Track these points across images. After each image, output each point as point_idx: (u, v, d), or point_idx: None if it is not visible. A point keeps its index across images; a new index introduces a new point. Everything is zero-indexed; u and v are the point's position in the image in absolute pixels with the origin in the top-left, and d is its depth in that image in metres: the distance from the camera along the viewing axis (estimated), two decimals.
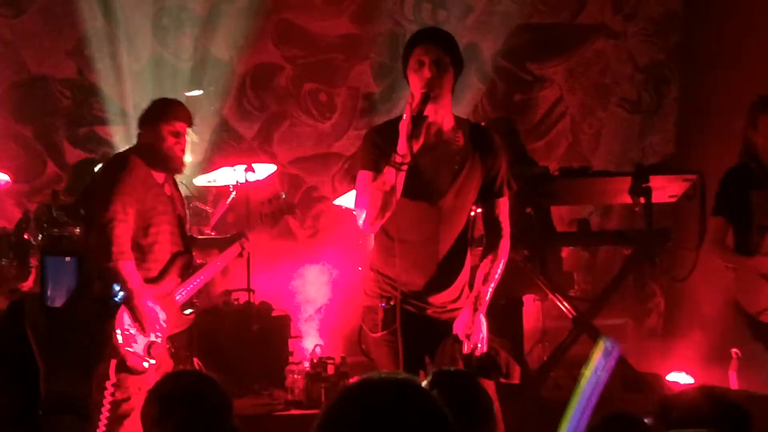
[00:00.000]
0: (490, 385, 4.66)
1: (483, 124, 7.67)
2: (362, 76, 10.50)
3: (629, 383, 7.32)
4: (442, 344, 4.79)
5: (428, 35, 4.96)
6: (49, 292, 2.40)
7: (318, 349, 8.19)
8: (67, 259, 2.41)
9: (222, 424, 3.28)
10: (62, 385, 2.41)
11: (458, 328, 4.78)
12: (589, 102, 10.89)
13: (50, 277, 2.40)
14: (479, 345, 4.74)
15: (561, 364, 7.69)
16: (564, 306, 7.48)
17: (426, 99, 4.70)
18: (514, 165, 7.77)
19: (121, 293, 2.44)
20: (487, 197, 4.99)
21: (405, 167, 4.66)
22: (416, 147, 4.65)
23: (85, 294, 2.43)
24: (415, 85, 4.80)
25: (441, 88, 4.79)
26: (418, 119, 4.64)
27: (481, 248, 5.02)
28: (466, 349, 4.72)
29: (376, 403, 2.14)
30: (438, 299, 4.93)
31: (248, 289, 8.18)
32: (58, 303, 2.41)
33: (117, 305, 2.58)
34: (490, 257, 4.93)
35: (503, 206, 5.01)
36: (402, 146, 4.64)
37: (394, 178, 4.69)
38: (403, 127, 4.64)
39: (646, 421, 3.33)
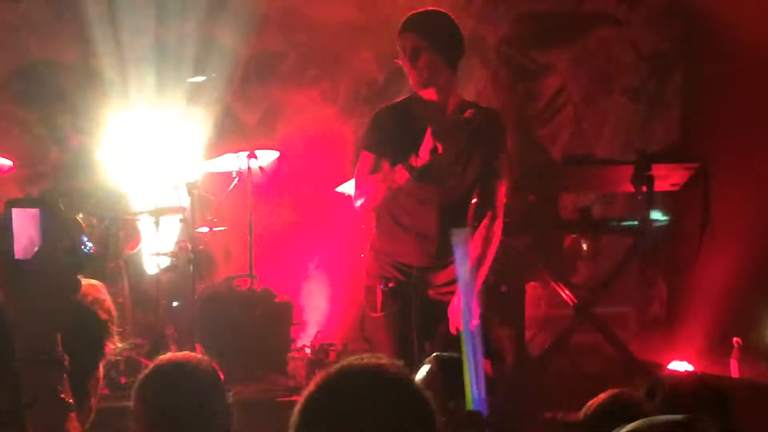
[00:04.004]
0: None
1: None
2: (366, 63, 10.48)
3: (630, 372, 7.32)
4: (441, 327, 4.82)
5: (405, 23, 4.99)
6: (15, 245, 2.40)
7: (320, 336, 8.20)
8: (32, 210, 2.40)
9: (213, 412, 3.25)
10: (34, 337, 2.40)
11: (452, 313, 4.79)
12: (593, 90, 10.87)
13: (15, 229, 2.39)
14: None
15: (563, 352, 7.70)
16: (566, 294, 7.48)
17: (467, 122, 4.73)
18: (520, 152, 7.83)
19: (90, 244, 2.44)
20: (486, 179, 5.00)
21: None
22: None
23: (53, 245, 2.42)
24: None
25: (423, 74, 4.81)
26: (450, 131, 4.67)
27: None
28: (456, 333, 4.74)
29: (354, 389, 2.15)
30: (439, 279, 4.95)
31: (251, 276, 8.19)
32: (25, 255, 2.41)
33: (86, 256, 2.57)
34: (483, 240, 4.94)
35: (500, 189, 5.02)
36: (425, 152, 4.65)
37: (405, 178, 4.72)
38: (429, 134, 4.66)
39: None
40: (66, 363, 2.46)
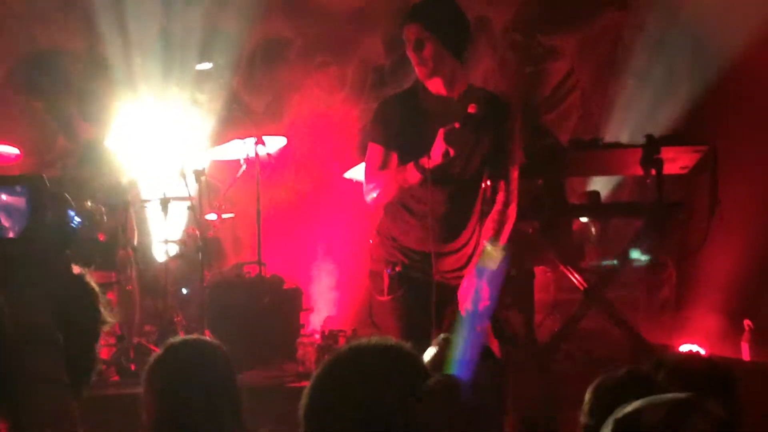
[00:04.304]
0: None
1: None
2: (373, 48, 10.47)
3: (640, 356, 7.30)
4: (449, 309, 4.83)
5: (409, 13, 4.96)
6: (1, 223, 2.39)
7: (329, 322, 8.20)
8: (18, 188, 2.38)
9: (222, 394, 3.24)
10: (24, 315, 2.38)
11: (462, 295, 4.79)
12: (601, 74, 10.85)
13: (1, 208, 2.38)
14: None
15: (572, 336, 7.69)
16: (575, 278, 7.47)
17: (471, 117, 4.72)
18: (527, 136, 7.81)
19: (77, 219, 2.42)
20: (496, 165, 4.99)
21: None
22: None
23: (39, 222, 2.41)
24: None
25: (428, 65, 4.81)
26: (458, 134, 4.65)
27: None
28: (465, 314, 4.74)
29: (364, 369, 2.15)
30: (444, 265, 4.94)
31: (259, 262, 8.19)
32: (12, 234, 2.39)
33: (74, 231, 2.56)
34: (496, 224, 4.93)
35: (513, 174, 5.01)
36: (437, 154, 4.65)
37: (418, 178, 4.72)
38: (440, 139, 4.64)
39: None
40: (60, 343, 2.45)
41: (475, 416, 3.10)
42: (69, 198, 2.61)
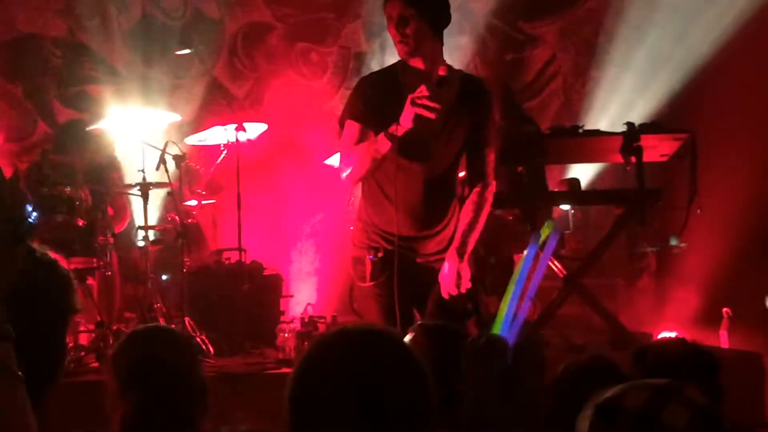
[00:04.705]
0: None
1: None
2: (354, 35, 10.46)
3: (619, 342, 7.33)
4: (431, 294, 4.83)
5: None
6: None
7: (309, 308, 8.20)
8: None
9: (185, 383, 3.23)
10: None
11: (444, 279, 4.79)
12: (582, 61, 10.87)
13: None
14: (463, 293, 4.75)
15: (551, 323, 7.71)
16: (555, 265, 7.48)
17: (441, 82, 4.70)
18: (507, 123, 7.81)
19: (35, 214, 2.43)
20: (474, 148, 4.99)
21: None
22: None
23: None
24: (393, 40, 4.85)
25: (410, 43, 4.79)
26: (431, 99, 4.62)
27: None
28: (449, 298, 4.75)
29: (351, 354, 2.15)
30: (426, 248, 4.95)
31: (239, 249, 8.17)
32: None
33: (30, 226, 2.55)
34: (475, 206, 4.93)
35: (490, 156, 5.00)
36: (406, 120, 4.62)
37: (388, 147, 4.69)
38: (410, 103, 4.62)
39: None
40: (10, 334, 2.44)
41: (516, 376, 3.14)
42: (26, 192, 2.60)
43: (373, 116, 4.80)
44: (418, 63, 4.87)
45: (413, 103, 4.57)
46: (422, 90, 4.59)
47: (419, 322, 3.67)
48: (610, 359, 3.34)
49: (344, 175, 4.90)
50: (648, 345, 3.58)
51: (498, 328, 3.37)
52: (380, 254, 4.89)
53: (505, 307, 3.45)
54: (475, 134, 4.95)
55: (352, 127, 4.88)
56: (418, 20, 4.78)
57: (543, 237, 4.20)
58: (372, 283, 4.91)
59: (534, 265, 4.33)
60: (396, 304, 4.71)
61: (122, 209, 8.31)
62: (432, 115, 4.57)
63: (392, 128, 4.65)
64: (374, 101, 4.83)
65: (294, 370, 2.18)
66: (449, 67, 4.83)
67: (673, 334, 7.54)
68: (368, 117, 4.83)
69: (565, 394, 3.16)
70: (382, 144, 4.69)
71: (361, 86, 4.99)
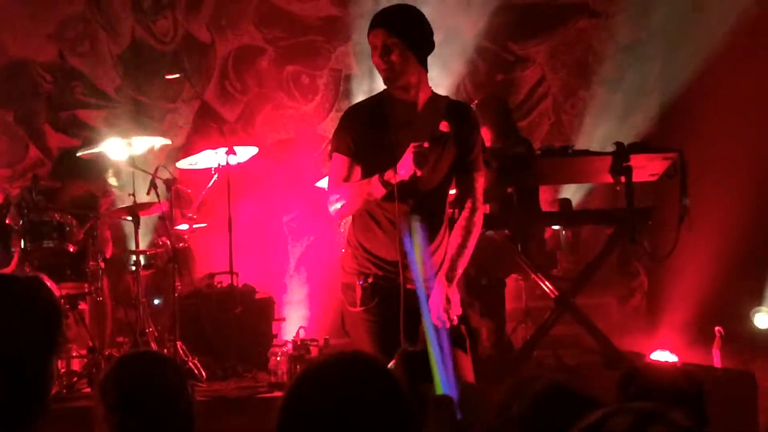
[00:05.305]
0: (466, 361, 4.70)
1: (474, 102, 7.72)
2: (344, 57, 10.48)
3: (611, 362, 7.33)
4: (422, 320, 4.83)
5: (375, 19, 4.96)
6: None
7: (302, 331, 8.20)
8: None
9: (173, 408, 3.23)
10: None
11: (433, 303, 4.79)
12: (572, 81, 10.89)
13: None
14: (454, 319, 4.74)
15: (544, 344, 7.71)
16: (546, 286, 7.48)
17: (444, 138, 4.72)
18: (503, 143, 7.83)
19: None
20: (462, 172, 5.00)
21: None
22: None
23: None
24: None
25: (394, 71, 4.81)
26: (427, 154, 4.64)
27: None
28: (440, 325, 4.73)
29: (338, 383, 2.16)
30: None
31: (231, 272, 8.17)
32: None
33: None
34: (463, 230, 4.94)
35: (479, 181, 5.01)
36: (405, 170, 4.64)
37: (382, 193, 4.71)
38: (409, 155, 4.63)
39: None
40: None
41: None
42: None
43: (360, 149, 4.82)
44: (402, 91, 4.88)
45: (416, 160, 4.59)
46: (424, 145, 4.61)
47: (400, 349, 3.67)
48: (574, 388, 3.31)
49: (333, 209, 4.91)
50: (635, 369, 3.57)
51: (440, 389, 3.39)
52: (370, 279, 4.90)
53: (436, 367, 3.46)
54: (463, 158, 4.96)
55: (341, 161, 4.89)
56: (402, 49, 4.80)
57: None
58: (362, 309, 4.91)
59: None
60: (401, 331, 4.71)
61: (120, 231, 8.32)
62: (427, 168, 4.62)
63: (388, 175, 4.66)
64: (361, 133, 4.85)
65: (281, 401, 2.19)
66: (441, 97, 4.85)
67: (665, 353, 7.55)
68: (355, 151, 4.85)
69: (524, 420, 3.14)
70: (376, 188, 4.71)
71: (347, 119, 5.00)
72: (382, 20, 4.90)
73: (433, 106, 4.90)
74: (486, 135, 7.69)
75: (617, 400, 3.27)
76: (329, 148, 5.01)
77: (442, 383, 3.33)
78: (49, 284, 2.89)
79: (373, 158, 4.74)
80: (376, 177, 4.70)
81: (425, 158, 4.61)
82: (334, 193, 4.90)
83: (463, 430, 3.18)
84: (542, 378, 2.85)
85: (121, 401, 3.17)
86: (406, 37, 4.81)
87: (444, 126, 4.73)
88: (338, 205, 4.87)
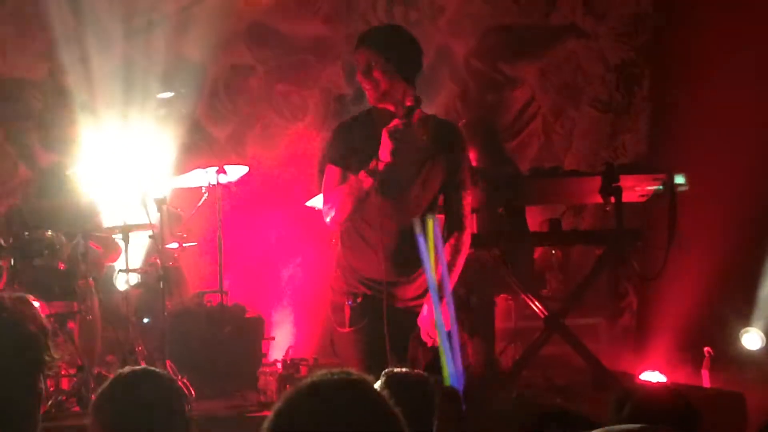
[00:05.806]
0: None
1: (462, 122, 7.75)
2: (334, 77, 10.50)
3: (601, 383, 7.33)
4: (411, 339, 4.84)
5: (359, 39, 5.02)
6: None
7: (291, 351, 8.19)
8: None
9: (170, 427, 3.21)
10: None
11: (423, 323, 4.80)
12: (561, 102, 10.92)
13: None
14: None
15: (533, 364, 7.71)
16: (536, 306, 7.48)
17: (411, 111, 4.75)
18: (489, 164, 7.84)
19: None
20: (450, 191, 5.02)
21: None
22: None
23: None
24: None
25: (379, 89, 4.85)
26: (405, 130, 4.68)
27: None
28: (430, 343, 4.74)
29: (325, 405, 2.15)
30: (406, 293, 4.96)
31: (221, 291, 8.17)
32: None
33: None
34: (451, 249, 4.96)
35: (466, 200, 5.04)
36: (385, 154, 4.68)
37: (369, 183, 4.74)
38: (386, 138, 4.68)
39: None
40: None
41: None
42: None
43: (352, 160, 4.86)
44: (389, 108, 4.92)
45: (389, 136, 4.64)
46: (396, 123, 4.66)
47: (385, 371, 3.67)
48: (575, 412, 3.33)
49: (328, 218, 4.94)
50: (629, 391, 3.58)
51: (448, 381, 3.40)
52: (359, 299, 4.91)
53: (445, 359, 3.47)
54: (451, 177, 4.99)
55: (333, 172, 4.94)
56: (386, 66, 4.84)
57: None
58: (351, 329, 4.92)
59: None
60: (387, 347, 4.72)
61: (113, 243, 8.31)
62: (404, 146, 4.66)
63: (372, 164, 4.71)
64: (352, 145, 4.90)
65: (268, 421, 2.18)
66: (417, 98, 4.88)
67: (654, 374, 7.56)
68: (347, 161, 4.88)
69: None
70: (364, 180, 4.75)
71: (339, 131, 5.06)
72: (366, 39, 4.97)
73: (420, 124, 4.94)
74: (472, 155, 7.71)
75: (610, 420, 3.28)
76: (322, 161, 5.08)
77: (450, 376, 3.35)
78: (35, 304, 2.89)
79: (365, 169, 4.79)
80: (362, 172, 4.75)
81: (400, 135, 4.65)
82: (328, 201, 4.95)
83: (467, 421, 3.21)
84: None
85: (115, 419, 3.15)
86: (390, 56, 4.86)
87: (408, 101, 4.78)
88: (332, 212, 4.91)
